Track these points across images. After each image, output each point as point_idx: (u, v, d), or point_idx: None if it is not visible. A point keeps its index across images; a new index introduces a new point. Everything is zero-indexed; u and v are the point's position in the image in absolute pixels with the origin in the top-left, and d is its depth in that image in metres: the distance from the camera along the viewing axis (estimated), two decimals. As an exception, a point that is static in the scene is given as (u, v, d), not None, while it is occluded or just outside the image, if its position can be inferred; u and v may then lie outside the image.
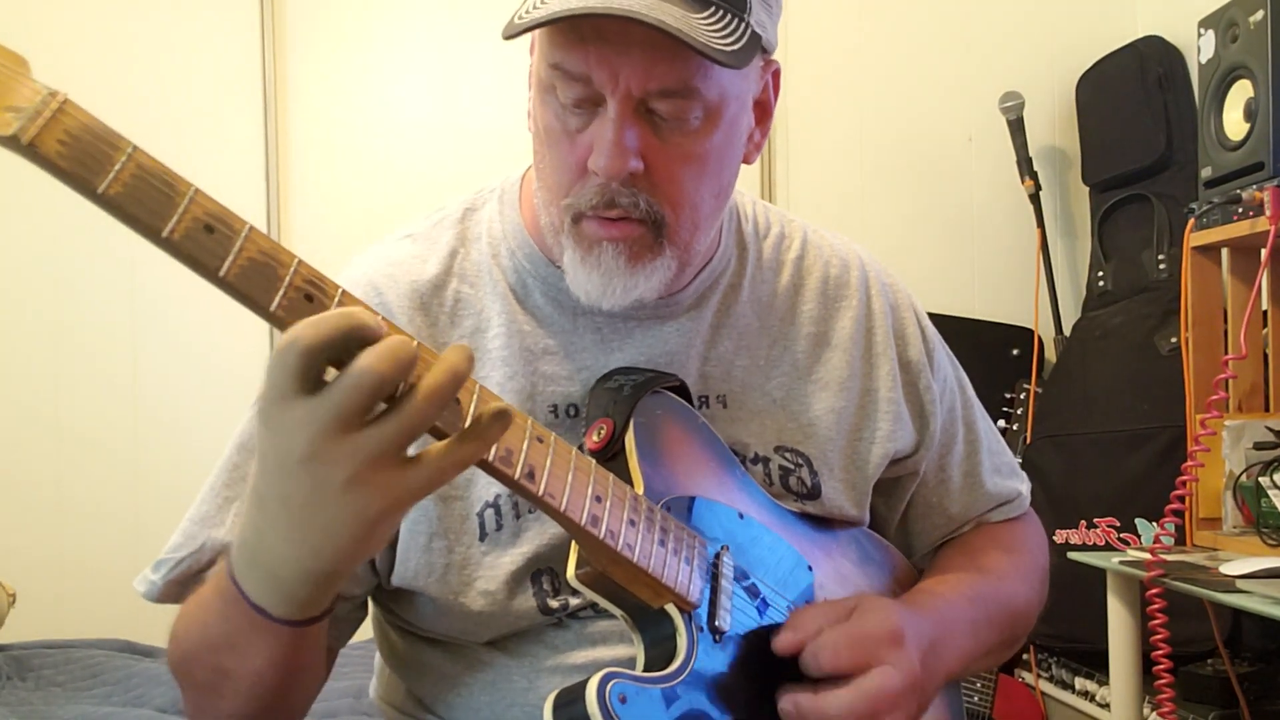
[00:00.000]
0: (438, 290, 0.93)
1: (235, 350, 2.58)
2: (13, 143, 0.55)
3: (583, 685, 0.73)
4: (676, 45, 0.77)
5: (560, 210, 0.86)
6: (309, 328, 0.59)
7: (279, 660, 0.76)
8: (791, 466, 0.97)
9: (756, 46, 0.82)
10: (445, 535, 0.88)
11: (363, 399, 0.59)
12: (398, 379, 0.60)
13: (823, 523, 0.98)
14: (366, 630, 1.00)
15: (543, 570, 0.89)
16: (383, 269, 0.94)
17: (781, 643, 0.83)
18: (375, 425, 0.60)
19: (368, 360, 0.59)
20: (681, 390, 0.92)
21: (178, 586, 0.89)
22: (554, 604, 0.89)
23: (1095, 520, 2.21)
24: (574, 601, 0.89)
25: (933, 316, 1.11)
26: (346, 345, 0.59)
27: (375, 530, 0.64)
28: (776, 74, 0.92)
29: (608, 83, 0.79)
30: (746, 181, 0.94)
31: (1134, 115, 2.51)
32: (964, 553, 1.06)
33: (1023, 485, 1.13)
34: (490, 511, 0.89)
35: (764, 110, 0.92)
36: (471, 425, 0.64)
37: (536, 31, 0.84)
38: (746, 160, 0.92)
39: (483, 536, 0.89)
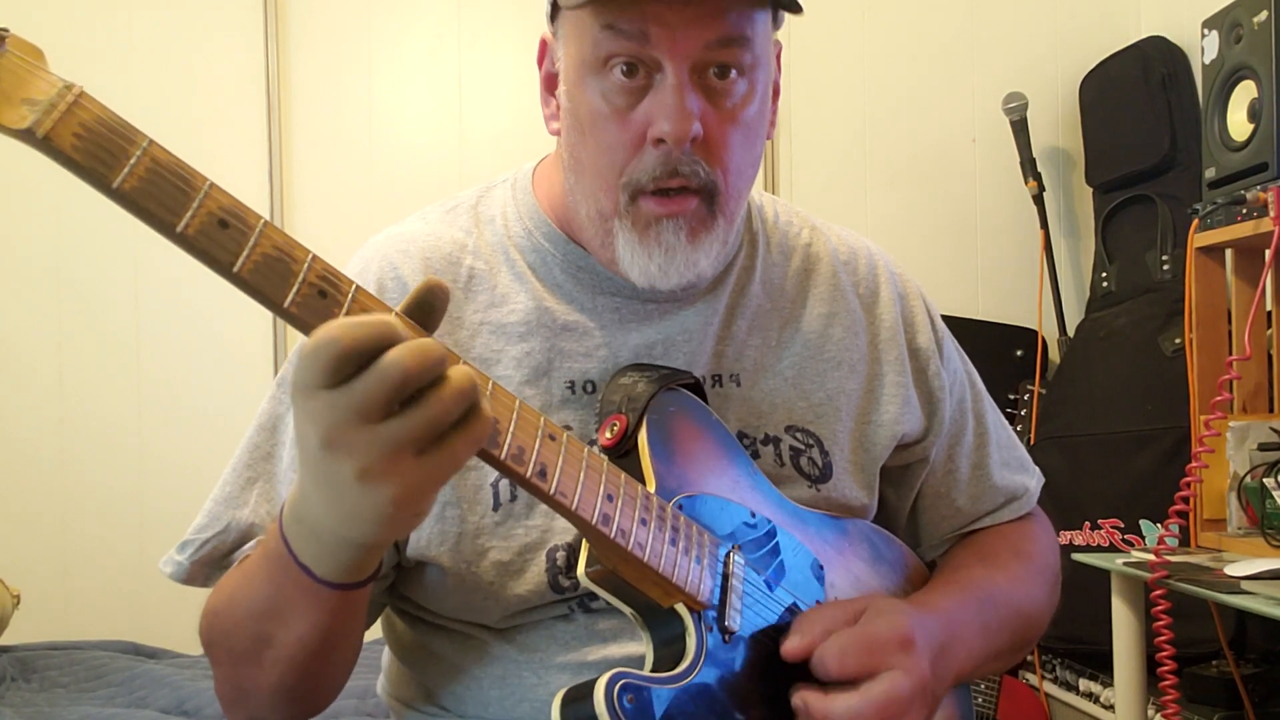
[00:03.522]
0: (452, 265, 0.95)
1: (241, 351, 2.58)
2: (28, 136, 0.54)
3: (591, 684, 0.73)
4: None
5: (616, 190, 0.86)
6: (350, 330, 0.58)
7: (322, 626, 0.76)
8: (802, 447, 0.97)
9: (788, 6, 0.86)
10: (459, 504, 0.89)
11: (385, 394, 0.59)
12: (422, 378, 0.59)
13: (835, 520, 0.97)
14: (373, 630, 1.00)
15: (558, 546, 0.89)
16: (398, 245, 0.96)
17: (789, 648, 0.82)
18: (395, 419, 0.60)
19: (394, 355, 0.58)
20: (696, 388, 0.92)
21: (204, 567, 0.90)
22: (565, 582, 0.88)
23: (1099, 521, 2.19)
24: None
25: (936, 317, 1.11)
26: (379, 351, 0.59)
27: (399, 514, 0.63)
28: (779, 53, 0.96)
29: (664, 40, 0.81)
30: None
31: (1137, 116, 2.51)
32: (975, 554, 1.06)
33: (1032, 481, 1.13)
34: (504, 482, 0.89)
35: (776, 90, 0.95)
36: (471, 406, 0.63)
37: (571, 16, 0.86)
38: (768, 137, 0.94)
39: (496, 506, 0.89)
